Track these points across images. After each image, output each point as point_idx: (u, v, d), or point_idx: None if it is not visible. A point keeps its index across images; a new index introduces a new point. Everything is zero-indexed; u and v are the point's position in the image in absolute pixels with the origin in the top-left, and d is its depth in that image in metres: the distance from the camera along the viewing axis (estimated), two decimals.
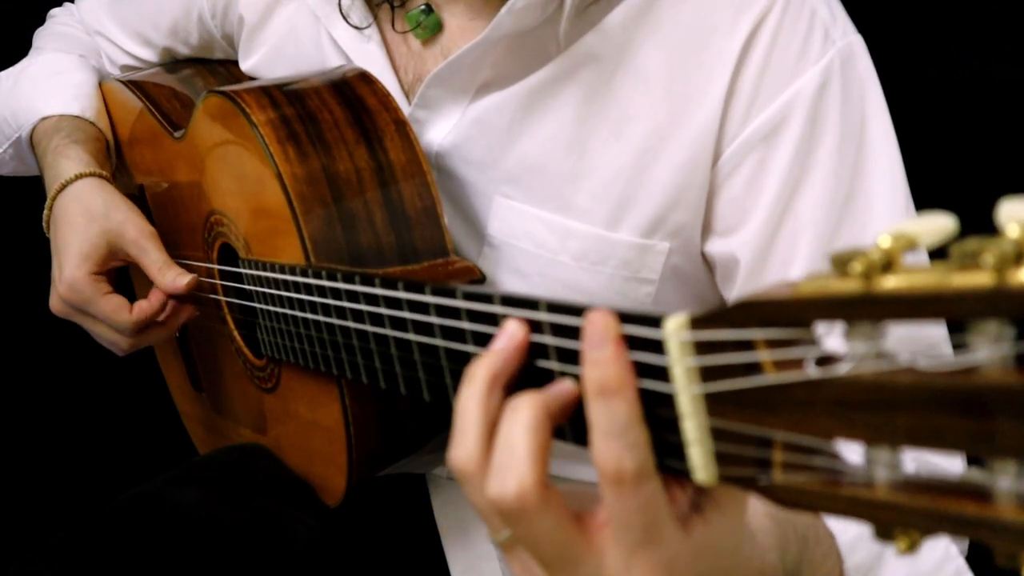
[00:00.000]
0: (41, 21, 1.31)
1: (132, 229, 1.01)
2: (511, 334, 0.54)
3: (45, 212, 1.06)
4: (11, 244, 1.16)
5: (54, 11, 1.30)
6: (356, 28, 0.96)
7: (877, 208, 0.81)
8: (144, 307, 1.00)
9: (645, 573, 0.47)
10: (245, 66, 1.08)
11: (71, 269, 1.00)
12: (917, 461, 0.75)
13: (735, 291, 0.84)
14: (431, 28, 0.93)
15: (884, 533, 0.42)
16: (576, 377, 0.52)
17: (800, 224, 0.81)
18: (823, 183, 0.81)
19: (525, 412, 0.49)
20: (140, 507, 0.94)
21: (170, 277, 0.99)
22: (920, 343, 0.77)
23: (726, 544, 0.49)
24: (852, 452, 0.43)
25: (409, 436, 0.89)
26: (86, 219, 1.02)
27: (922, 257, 0.79)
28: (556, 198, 0.87)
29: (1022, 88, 1.46)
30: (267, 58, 1.05)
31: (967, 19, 1.45)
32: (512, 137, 0.88)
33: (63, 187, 1.04)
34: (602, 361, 0.47)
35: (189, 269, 1.06)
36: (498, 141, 0.89)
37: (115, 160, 1.17)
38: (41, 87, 1.14)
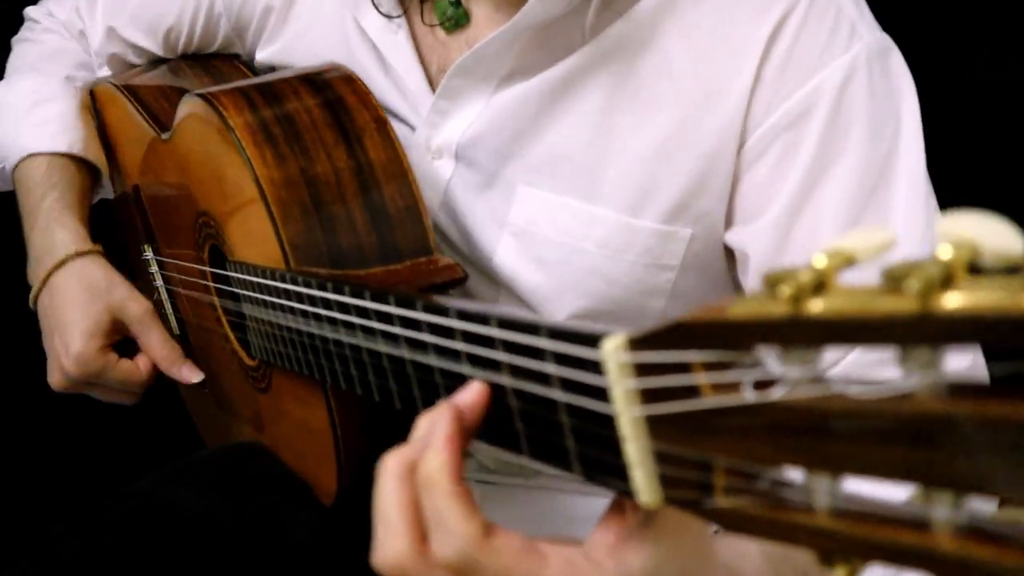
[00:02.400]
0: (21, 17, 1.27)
1: (135, 307, 1.05)
2: (432, 426, 0.54)
3: (37, 286, 1.07)
4: (11, 244, 1.16)
5: (31, 11, 1.25)
6: (386, 16, 0.95)
7: (898, 204, 0.81)
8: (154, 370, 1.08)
9: None
10: (262, 55, 1.07)
11: (79, 345, 1.02)
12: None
13: (752, 281, 0.84)
14: (458, 20, 0.93)
15: (825, 559, 0.41)
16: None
17: (821, 214, 0.81)
18: (847, 174, 0.81)
19: (386, 476, 0.52)
20: (138, 504, 0.94)
21: (183, 373, 1.08)
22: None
23: (670, 569, 0.48)
24: (798, 475, 0.42)
25: (397, 437, 0.89)
26: (89, 295, 1.03)
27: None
28: (580, 186, 0.87)
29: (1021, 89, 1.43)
30: (289, 46, 1.04)
31: (973, 19, 1.42)
32: (537, 127, 0.88)
33: (62, 263, 1.05)
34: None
35: (183, 268, 1.06)
36: (523, 131, 0.89)
37: (107, 174, 1.17)
38: (24, 119, 1.12)
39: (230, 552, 0.92)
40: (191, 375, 1.07)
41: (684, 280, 0.88)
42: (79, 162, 1.13)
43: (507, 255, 0.91)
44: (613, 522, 0.50)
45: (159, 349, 1.06)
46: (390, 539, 0.51)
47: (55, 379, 1.06)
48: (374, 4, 0.95)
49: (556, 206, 0.88)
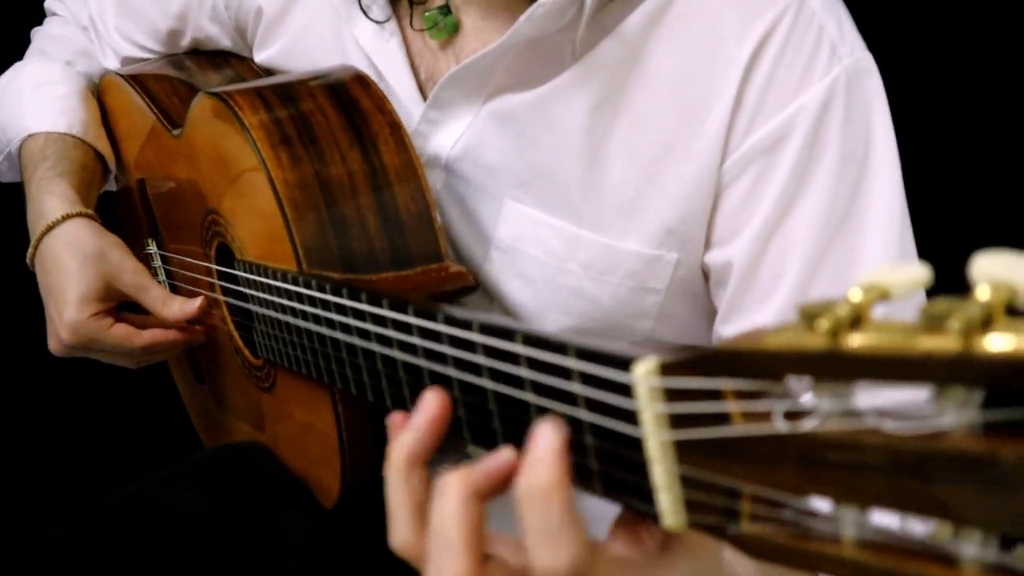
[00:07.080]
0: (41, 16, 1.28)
1: (128, 270, 1.03)
2: (426, 409, 0.54)
3: (30, 251, 1.06)
4: (10, 242, 1.16)
5: (49, 3, 1.27)
6: (376, 22, 0.94)
7: (871, 231, 0.81)
8: (157, 335, 1.03)
9: None
10: (260, 57, 1.07)
11: (72, 313, 1.01)
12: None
13: (724, 302, 0.84)
14: (448, 29, 0.92)
15: None
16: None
17: (792, 239, 0.81)
18: (818, 200, 0.80)
19: (451, 496, 0.50)
20: (134, 505, 0.94)
21: (175, 308, 1.01)
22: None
23: None
24: (825, 504, 0.42)
25: None
26: (80, 262, 1.02)
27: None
28: (566, 205, 0.87)
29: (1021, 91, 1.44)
30: (285, 50, 1.03)
31: (968, 20, 1.43)
32: (525, 142, 0.88)
33: (49, 228, 1.03)
34: (537, 465, 0.47)
35: (188, 265, 1.06)
36: (511, 145, 0.88)
37: (113, 161, 1.16)
38: (27, 101, 1.13)
39: (226, 554, 0.91)
40: (194, 306, 1.02)
41: (671, 303, 0.88)
42: (79, 142, 1.12)
43: (493, 270, 0.91)
44: (626, 540, 0.50)
45: (161, 304, 1.02)
46: (395, 527, 0.53)
47: (52, 345, 1.06)
48: (362, 9, 0.94)
49: (541, 224, 0.88)
